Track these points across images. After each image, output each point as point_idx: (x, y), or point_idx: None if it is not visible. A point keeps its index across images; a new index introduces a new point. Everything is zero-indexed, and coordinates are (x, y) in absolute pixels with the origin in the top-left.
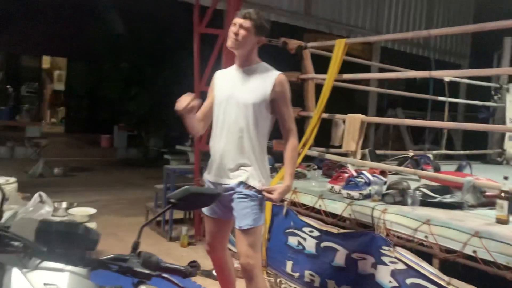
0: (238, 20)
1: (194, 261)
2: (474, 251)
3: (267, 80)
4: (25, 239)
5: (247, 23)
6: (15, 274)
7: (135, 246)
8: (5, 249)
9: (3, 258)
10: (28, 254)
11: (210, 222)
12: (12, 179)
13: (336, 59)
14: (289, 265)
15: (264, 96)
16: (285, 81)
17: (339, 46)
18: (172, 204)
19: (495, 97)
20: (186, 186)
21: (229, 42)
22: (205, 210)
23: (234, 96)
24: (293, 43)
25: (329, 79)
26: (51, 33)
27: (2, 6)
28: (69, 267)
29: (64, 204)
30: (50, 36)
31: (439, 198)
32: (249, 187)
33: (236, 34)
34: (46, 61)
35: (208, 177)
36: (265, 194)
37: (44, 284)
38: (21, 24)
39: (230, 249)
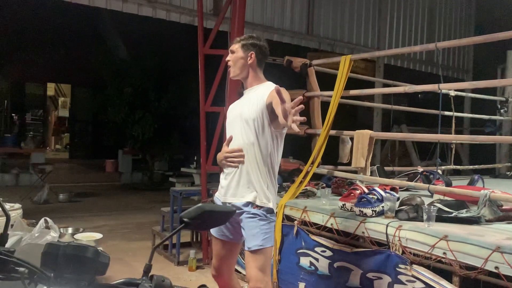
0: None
1: (204, 285)
2: (496, 267)
3: (265, 92)
4: (30, 264)
5: (234, 47)
6: None
7: (147, 269)
8: (10, 276)
9: (8, 286)
10: (34, 280)
11: (218, 244)
12: (17, 205)
13: (342, 75)
14: (301, 286)
15: (262, 106)
16: (281, 88)
17: (344, 62)
18: (185, 224)
19: (502, 111)
20: (200, 204)
21: (230, 73)
22: (213, 231)
23: (239, 115)
24: (298, 61)
25: (335, 95)
26: (55, 60)
27: (6, 36)
28: None
29: (70, 230)
30: (54, 63)
31: (455, 213)
32: (257, 206)
33: (228, 60)
34: (50, 88)
35: (218, 195)
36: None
37: None
38: (25, 53)
39: (239, 272)
